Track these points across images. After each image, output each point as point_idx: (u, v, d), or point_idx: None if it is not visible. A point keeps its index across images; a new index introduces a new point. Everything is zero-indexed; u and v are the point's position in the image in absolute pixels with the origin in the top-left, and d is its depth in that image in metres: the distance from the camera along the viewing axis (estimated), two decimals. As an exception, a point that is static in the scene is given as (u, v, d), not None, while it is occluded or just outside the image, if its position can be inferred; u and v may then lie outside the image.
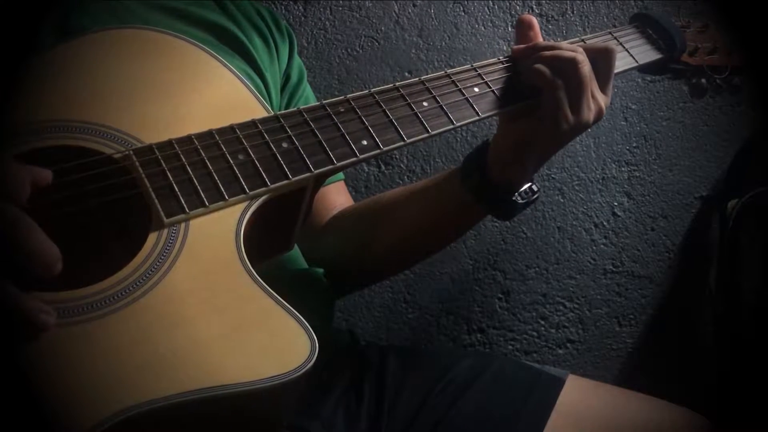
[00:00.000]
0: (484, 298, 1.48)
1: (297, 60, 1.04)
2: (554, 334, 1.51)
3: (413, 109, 0.78)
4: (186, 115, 0.72)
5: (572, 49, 0.81)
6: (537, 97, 0.82)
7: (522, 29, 0.86)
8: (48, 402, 0.53)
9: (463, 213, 0.89)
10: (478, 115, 0.80)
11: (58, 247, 0.55)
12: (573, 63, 0.79)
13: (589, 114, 0.81)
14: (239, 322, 0.60)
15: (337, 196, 1.02)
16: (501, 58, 0.86)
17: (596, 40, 0.90)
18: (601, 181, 1.54)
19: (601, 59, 0.83)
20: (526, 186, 0.86)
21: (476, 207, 0.87)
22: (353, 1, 1.43)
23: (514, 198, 0.85)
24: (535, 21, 0.86)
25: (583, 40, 0.89)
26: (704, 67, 0.98)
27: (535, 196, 0.87)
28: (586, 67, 0.80)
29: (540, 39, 0.86)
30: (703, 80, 0.98)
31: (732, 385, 1.38)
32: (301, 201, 0.73)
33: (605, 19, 1.54)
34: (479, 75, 0.83)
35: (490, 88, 0.82)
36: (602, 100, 0.82)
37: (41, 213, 0.58)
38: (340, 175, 1.04)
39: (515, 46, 0.86)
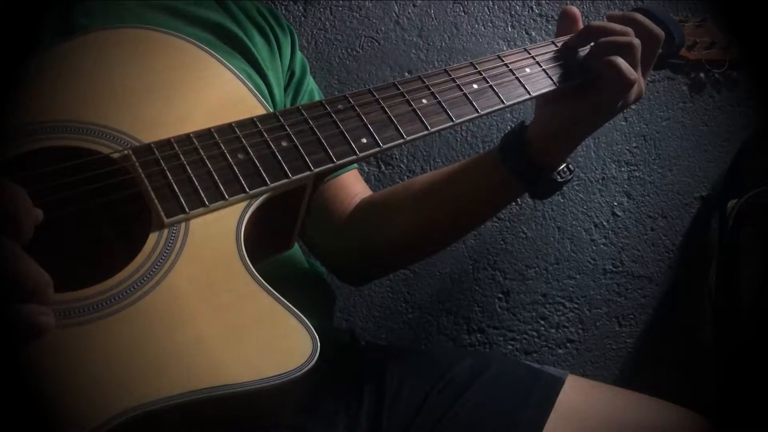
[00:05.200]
0: (484, 298, 1.48)
1: (299, 54, 1.04)
2: (554, 334, 1.51)
3: (412, 106, 0.78)
4: (185, 115, 0.71)
5: (626, 33, 0.83)
6: (538, 93, 0.83)
7: (566, 22, 0.89)
8: (50, 403, 0.52)
9: (501, 192, 0.91)
10: (477, 112, 0.80)
11: (48, 273, 0.55)
12: (630, 48, 0.82)
13: (632, 96, 0.84)
14: (240, 322, 0.60)
15: (355, 185, 1.02)
16: (498, 54, 0.86)
17: None
18: (601, 181, 1.54)
19: (649, 43, 0.85)
20: (563, 165, 0.89)
21: (514, 186, 0.89)
22: (353, 1, 1.43)
23: (553, 177, 0.88)
24: (578, 14, 0.89)
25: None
26: (703, 61, 0.98)
27: (571, 175, 0.89)
28: (639, 54, 0.82)
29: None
30: (702, 75, 0.98)
31: (732, 385, 1.38)
32: (301, 199, 0.73)
33: (605, 19, 1.54)
34: (478, 72, 0.83)
35: (489, 83, 0.82)
36: (642, 81, 0.85)
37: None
38: (354, 164, 1.04)
39: (566, 36, 0.88)
